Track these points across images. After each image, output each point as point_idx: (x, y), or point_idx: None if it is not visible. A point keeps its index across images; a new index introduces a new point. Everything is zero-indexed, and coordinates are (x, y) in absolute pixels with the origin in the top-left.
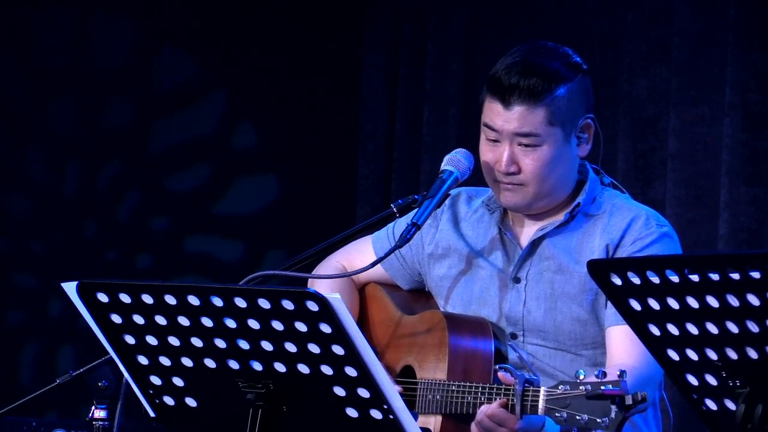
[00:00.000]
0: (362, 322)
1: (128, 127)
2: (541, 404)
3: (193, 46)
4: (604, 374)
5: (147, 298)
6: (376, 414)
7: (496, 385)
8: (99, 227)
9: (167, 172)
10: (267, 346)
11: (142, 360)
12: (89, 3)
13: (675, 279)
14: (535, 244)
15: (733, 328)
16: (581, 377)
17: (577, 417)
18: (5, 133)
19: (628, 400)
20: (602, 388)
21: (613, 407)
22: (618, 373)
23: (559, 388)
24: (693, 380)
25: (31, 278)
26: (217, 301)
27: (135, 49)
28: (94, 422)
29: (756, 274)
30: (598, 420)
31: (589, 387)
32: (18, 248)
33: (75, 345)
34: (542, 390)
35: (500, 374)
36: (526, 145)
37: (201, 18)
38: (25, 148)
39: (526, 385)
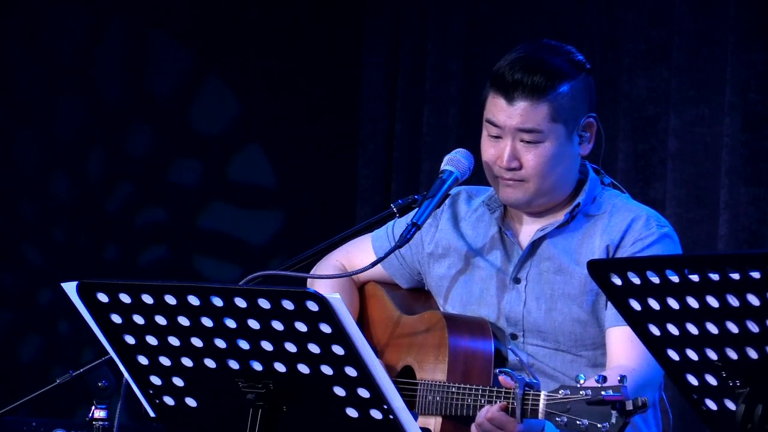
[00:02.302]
0: (362, 321)
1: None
2: (541, 408)
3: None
4: (605, 379)
5: (147, 298)
6: (376, 414)
7: (496, 388)
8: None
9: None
10: (267, 346)
11: (142, 360)
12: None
13: (675, 279)
14: (535, 244)
15: (733, 328)
16: (582, 382)
17: (578, 422)
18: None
19: (629, 406)
20: (603, 393)
21: (614, 413)
22: (619, 378)
23: (560, 392)
24: (693, 380)
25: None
26: (217, 301)
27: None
28: (94, 422)
29: (756, 274)
30: (599, 425)
31: (589, 392)
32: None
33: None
34: (542, 394)
35: (501, 378)
36: (528, 142)
37: (198, 9)
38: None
39: (527, 388)
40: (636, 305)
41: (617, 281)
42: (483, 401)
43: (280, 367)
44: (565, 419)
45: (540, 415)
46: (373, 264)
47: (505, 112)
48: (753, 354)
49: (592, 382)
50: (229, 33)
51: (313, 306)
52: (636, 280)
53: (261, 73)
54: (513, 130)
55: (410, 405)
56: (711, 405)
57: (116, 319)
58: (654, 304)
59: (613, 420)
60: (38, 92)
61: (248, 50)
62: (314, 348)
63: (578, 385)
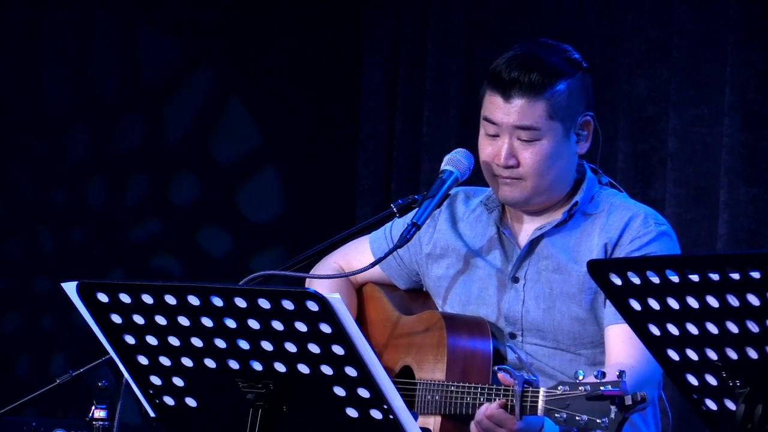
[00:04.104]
0: (360, 322)
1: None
2: (540, 405)
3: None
4: (604, 374)
5: (147, 298)
6: (376, 414)
7: (495, 386)
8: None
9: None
10: (267, 346)
11: (142, 360)
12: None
13: (675, 279)
14: (533, 243)
15: (733, 328)
16: (580, 377)
17: (577, 417)
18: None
19: (628, 401)
20: (602, 388)
21: (613, 408)
22: (617, 373)
23: (559, 388)
24: (693, 380)
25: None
26: (217, 301)
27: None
28: (94, 422)
29: (756, 274)
30: (598, 420)
31: (588, 387)
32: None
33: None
34: (541, 390)
35: (499, 375)
36: (526, 139)
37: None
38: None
39: (525, 385)
40: (636, 305)
41: (617, 281)
42: (482, 399)
43: (280, 367)
44: (565, 415)
45: (539, 412)
46: (373, 264)
47: (502, 110)
48: (753, 354)
49: (590, 378)
50: (228, 31)
51: (313, 306)
52: (636, 280)
53: (261, 73)
54: (510, 128)
55: (409, 405)
56: (711, 405)
57: (116, 319)
58: (654, 304)
59: (612, 415)
60: (108, 102)
61: (248, 51)
62: (314, 348)
63: (577, 381)
